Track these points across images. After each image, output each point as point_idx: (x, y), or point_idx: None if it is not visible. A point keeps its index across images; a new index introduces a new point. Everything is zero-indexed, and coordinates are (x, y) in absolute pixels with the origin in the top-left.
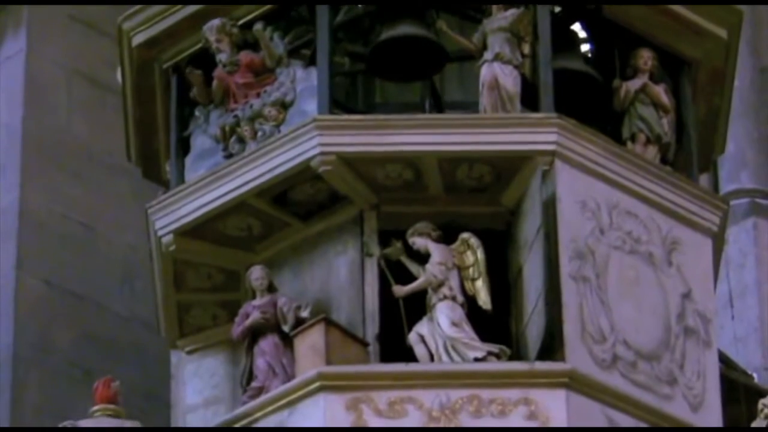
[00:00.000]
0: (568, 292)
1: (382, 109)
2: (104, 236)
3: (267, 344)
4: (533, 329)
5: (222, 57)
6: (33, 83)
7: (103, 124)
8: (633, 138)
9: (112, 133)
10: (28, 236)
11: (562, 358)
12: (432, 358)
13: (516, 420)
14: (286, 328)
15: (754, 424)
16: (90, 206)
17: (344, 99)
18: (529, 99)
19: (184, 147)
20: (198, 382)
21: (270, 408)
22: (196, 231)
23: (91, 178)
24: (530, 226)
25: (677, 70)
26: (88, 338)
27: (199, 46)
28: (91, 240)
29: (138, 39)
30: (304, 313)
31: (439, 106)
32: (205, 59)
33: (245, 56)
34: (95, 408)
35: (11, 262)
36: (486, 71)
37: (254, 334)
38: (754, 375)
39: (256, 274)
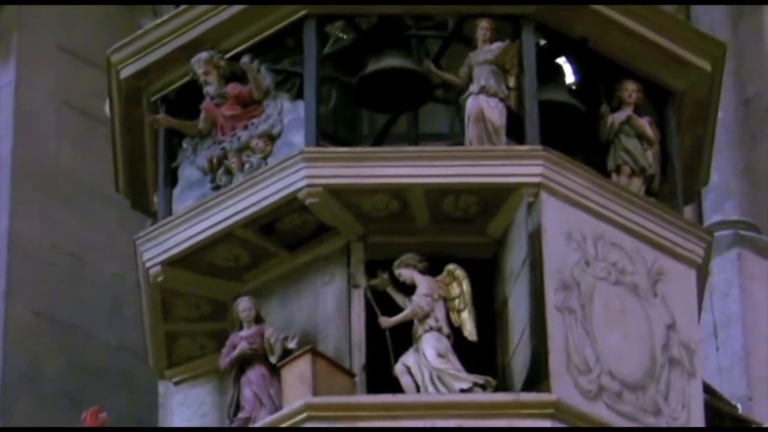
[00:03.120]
0: (554, 322)
1: (369, 141)
2: (93, 265)
3: (254, 374)
4: (519, 360)
5: (210, 89)
6: (23, 113)
7: (92, 154)
8: (618, 170)
9: (100, 163)
10: (17, 265)
11: (548, 389)
12: (418, 389)
13: None
14: (273, 359)
15: None
16: (79, 236)
17: (331, 130)
18: (515, 131)
19: (172, 178)
20: (186, 412)
21: None
22: (183, 261)
23: (80, 208)
24: (516, 257)
25: (662, 101)
26: (76, 367)
27: (188, 78)
28: (80, 269)
29: (126, 71)
30: (291, 344)
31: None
32: (193, 91)
33: (233, 88)
34: None
35: (0, 290)
36: (472, 104)
37: (241, 364)
38: (739, 405)
39: (244, 305)
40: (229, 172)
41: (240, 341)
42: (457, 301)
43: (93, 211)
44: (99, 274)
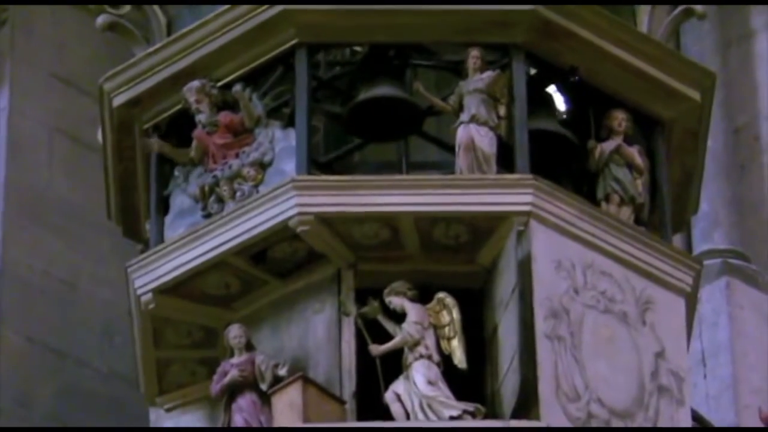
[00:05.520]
0: (543, 350)
1: (360, 169)
2: (85, 292)
3: (245, 402)
4: (508, 387)
5: (201, 117)
6: (15, 140)
7: (84, 181)
8: (607, 199)
9: (92, 191)
10: (9, 292)
11: (537, 416)
12: (408, 417)
13: None
14: (263, 386)
15: None
16: (71, 262)
17: (322, 158)
18: (505, 160)
19: (163, 206)
20: None
21: None
22: (175, 289)
23: (72, 235)
24: (506, 285)
25: (651, 130)
26: (68, 394)
27: (179, 106)
28: (72, 296)
29: (119, 99)
30: (282, 372)
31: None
32: (185, 119)
33: (224, 117)
34: None
35: None
36: (462, 132)
37: (232, 391)
38: None
39: (234, 333)
40: (220, 200)
41: (231, 368)
42: (447, 329)
43: (84, 238)
44: (90, 301)
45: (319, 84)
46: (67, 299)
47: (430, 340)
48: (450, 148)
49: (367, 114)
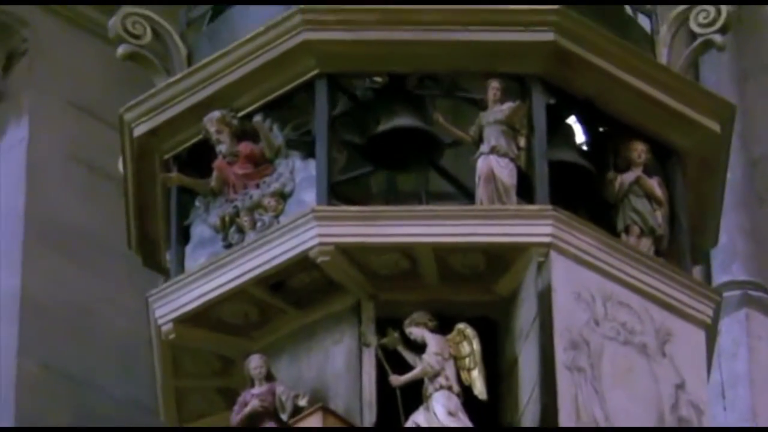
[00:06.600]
0: (563, 381)
1: (379, 199)
2: (102, 320)
3: None
4: (528, 418)
5: (222, 148)
6: (34, 170)
7: (102, 209)
8: (627, 230)
9: (110, 219)
10: (28, 320)
11: None
12: None
13: None
14: (284, 417)
15: None
16: (88, 290)
17: (342, 189)
18: (524, 190)
19: (184, 236)
20: None
21: None
22: (195, 319)
23: (90, 263)
24: (525, 315)
25: (669, 161)
26: (86, 422)
27: (200, 136)
28: (89, 323)
29: (139, 129)
30: (302, 402)
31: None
32: (205, 149)
33: (245, 147)
34: None
35: (13, 346)
36: (482, 164)
37: (252, 421)
38: None
39: (255, 363)
40: (241, 231)
41: (251, 398)
42: (467, 359)
43: (102, 265)
44: (108, 329)
45: (339, 114)
46: (84, 327)
47: (450, 370)
48: (461, 185)
49: (387, 144)
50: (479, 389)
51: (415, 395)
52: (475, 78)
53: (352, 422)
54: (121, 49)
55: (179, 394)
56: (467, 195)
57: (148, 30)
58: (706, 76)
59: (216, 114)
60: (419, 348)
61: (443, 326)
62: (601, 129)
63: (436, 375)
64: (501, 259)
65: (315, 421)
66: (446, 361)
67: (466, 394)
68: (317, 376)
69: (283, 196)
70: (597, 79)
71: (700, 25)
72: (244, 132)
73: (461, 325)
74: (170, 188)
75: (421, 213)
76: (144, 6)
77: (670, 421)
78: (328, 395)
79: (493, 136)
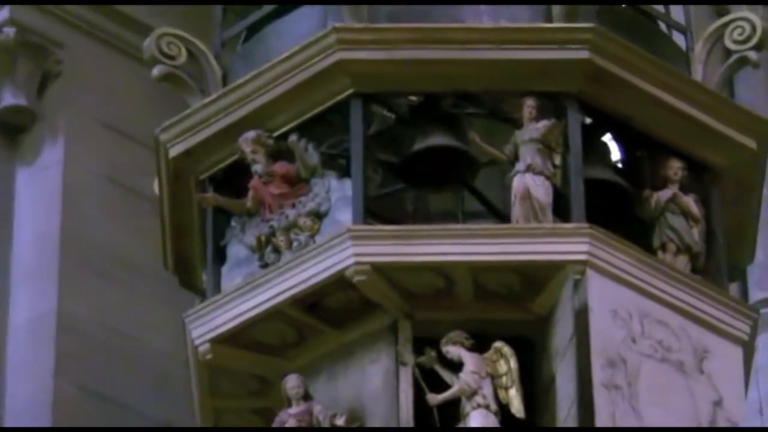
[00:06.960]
0: (600, 399)
1: (414, 218)
2: (138, 341)
3: None
4: None
5: (257, 168)
6: (69, 191)
7: (138, 231)
8: (664, 248)
9: (146, 240)
10: (64, 343)
11: None
12: None
13: None
14: None
15: None
16: (125, 312)
17: (378, 208)
18: (560, 209)
19: (220, 256)
20: None
21: None
22: (231, 339)
23: (126, 284)
24: (562, 334)
25: (705, 178)
26: None
27: (235, 157)
28: (126, 345)
29: (175, 150)
30: (340, 421)
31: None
32: (240, 170)
33: (280, 167)
34: None
35: (50, 368)
36: (518, 182)
37: None
38: None
39: (292, 383)
40: (277, 250)
41: (288, 418)
42: (504, 378)
43: (138, 287)
44: (144, 350)
45: (374, 133)
46: (120, 348)
47: (487, 389)
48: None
49: (423, 163)
50: (517, 407)
51: (453, 414)
52: (510, 96)
53: None
54: (156, 70)
55: (216, 415)
56: (498, 215)
57: (183, 51)
58: (741, 93)
59: (251, 134)
60: (456, 367)
61: (480, 345)
62: (637, 150)
63: (474, 394)
64: (537, 278)
65: None
66: (483, 380)
67: (503, 412)
68: (354, 396)
69: (318, 216)
70: (632, 97)
71: (735, 42)
72: (279, 152)
73: (498, 344)
74: (206, 209)
75: (457, 232)
76: (178, 27)
77: None
78: (365, 414)
79: (528, 155)
